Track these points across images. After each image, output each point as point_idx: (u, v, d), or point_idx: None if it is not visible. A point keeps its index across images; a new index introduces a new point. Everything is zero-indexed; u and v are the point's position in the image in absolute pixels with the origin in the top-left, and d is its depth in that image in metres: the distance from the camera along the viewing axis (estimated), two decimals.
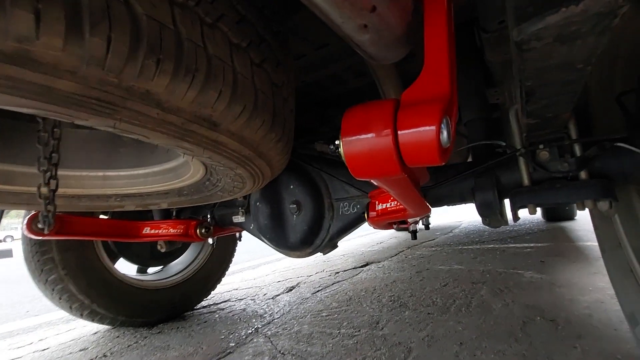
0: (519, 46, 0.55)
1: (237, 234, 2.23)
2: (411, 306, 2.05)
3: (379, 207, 1.08)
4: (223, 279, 2.84)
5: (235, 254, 2.95)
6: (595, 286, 2.00)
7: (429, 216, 1.52)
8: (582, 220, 4.73)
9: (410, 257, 3.69)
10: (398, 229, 1.31)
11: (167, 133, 0.57)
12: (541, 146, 1.02)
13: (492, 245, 3.73)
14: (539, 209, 1.34)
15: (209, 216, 1.98)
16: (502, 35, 1.08)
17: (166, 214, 2.01)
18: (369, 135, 0.46)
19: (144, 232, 1.86)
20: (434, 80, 0.45)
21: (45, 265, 1.83)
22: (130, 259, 2.32)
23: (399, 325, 1.77)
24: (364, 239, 5.94)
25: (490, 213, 1.15)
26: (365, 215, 1.22)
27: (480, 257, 3.17)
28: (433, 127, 0.43)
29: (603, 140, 0.97)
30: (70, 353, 1.97)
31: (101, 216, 2.03)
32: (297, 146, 1.65)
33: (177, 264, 2.57)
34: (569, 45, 0.54)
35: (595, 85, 1.08)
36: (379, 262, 3.64)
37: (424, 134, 0.43)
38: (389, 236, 5.69)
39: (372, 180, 0.58)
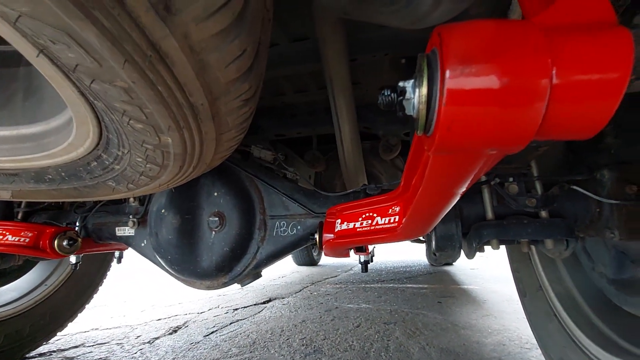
0: (629, 19, 0.42)
1: (117, 253, 1.66)
2: (327, 351, 1.80)
3: (342, 227, 0.85)
4: (80, 314, 2.09)
5: (105, 279, 2.25)
6: (492, 328, 2.13)
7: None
8: (459, 266, 5.36)
9: (315, 293, 3.48)
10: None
11: None
12: (511, 179, 0.98)
13: (392, 285, 3.83)
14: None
15: (77, 223, 1.42)
16: None
17: (5, 213, 1.36)
18: (505, 68, 0.25)
19: None
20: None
21: None
22: None
23: None
24: (264, 271, 5.52)
25: (449, 247, 1.04)
26: (317, 238, 0.97)
27: (385, 297, 3.17)
28: (623, 67, 0.25)
29: (564, 180, 0.98)
30: None
31: None
32: None
33: (8, 291, 1.78)
34: None
35: None
36: (283, 298, 3.32)
37: (604, 78, 0.25)
38: (291, 270, 5.42)
39: (435, 157, 0.35)
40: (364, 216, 0.79)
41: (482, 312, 2.55)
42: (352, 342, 1.93)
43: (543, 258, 1.38)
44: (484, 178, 1.02)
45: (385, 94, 0.34)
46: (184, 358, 1.79)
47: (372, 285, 3.84)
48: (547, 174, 0.99)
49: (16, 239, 1.23)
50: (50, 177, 0.88)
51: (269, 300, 3.20)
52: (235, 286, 4.08)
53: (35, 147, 0.82)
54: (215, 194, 1.20)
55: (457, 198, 0.48)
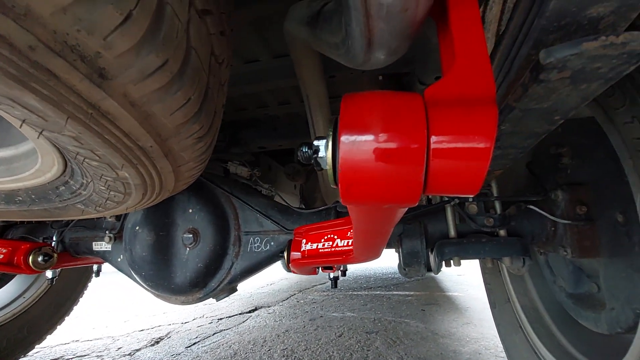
0: (535, 75, 0.47)
1: (95, 267, 1.66)
2: None
3: (307, 247, 0.89)
4: (59, 326, 2.08)
5: (85, 291, 2.23)
6: (470, 337, 2.17)
7: None
8: (446, 273, 5.42)
9: (302, 301, 3.50)
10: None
11: None
12: (470, 199, 1.03)
13: (379, 292, 3.86)
14: None
15: (54, 238, 1.42)
16: None
17: None
18: (389, 137, 0.28)
19: None
20: (473, 73, 0.32)
21: None
22: None
23: None
24: (252, 279, 5.49)
25: (415, 262, 1.08)
26: (285, 256, 1.00)
27: (370, 304, 3.20)
28: (488, 140, 0.29)
29: (520, 201, 1.03)
30: None
31: None
32: None
33: None
34: (573, 88, 0.50)
35: None
36: (269, 306, 3.32)
37: (472, 147, 0.29)
38: (280, 277, 5.41)
39: (349, 206, 0.39)
40: (325, 238, 0.82)
41: (463, 320, 2.59)
42: (333, 352, 1.96)
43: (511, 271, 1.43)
44: (446, 197, 1.07)
45: (303, 150, 0.37)
46: None
47: (359, 293, 3.87)
48: (506, 194, 1.04)
49: None
50: (21, 199, 0.89)
51: (255, 309, 3.20)
52: None
53: (5, 170, 0.84)
54: (190, 210, 1.22)
55: (389, 233, 0.52)
